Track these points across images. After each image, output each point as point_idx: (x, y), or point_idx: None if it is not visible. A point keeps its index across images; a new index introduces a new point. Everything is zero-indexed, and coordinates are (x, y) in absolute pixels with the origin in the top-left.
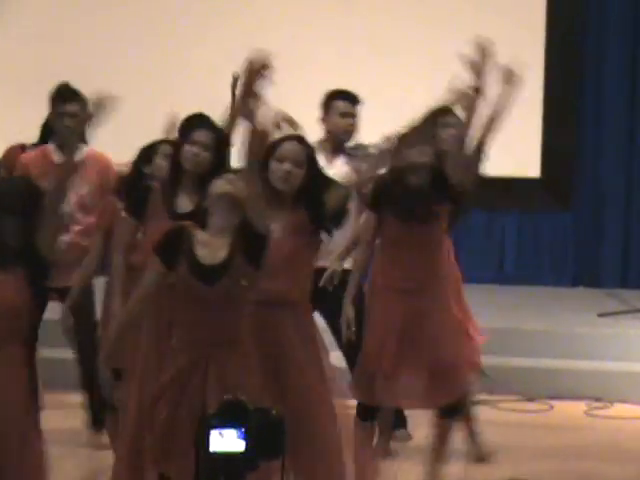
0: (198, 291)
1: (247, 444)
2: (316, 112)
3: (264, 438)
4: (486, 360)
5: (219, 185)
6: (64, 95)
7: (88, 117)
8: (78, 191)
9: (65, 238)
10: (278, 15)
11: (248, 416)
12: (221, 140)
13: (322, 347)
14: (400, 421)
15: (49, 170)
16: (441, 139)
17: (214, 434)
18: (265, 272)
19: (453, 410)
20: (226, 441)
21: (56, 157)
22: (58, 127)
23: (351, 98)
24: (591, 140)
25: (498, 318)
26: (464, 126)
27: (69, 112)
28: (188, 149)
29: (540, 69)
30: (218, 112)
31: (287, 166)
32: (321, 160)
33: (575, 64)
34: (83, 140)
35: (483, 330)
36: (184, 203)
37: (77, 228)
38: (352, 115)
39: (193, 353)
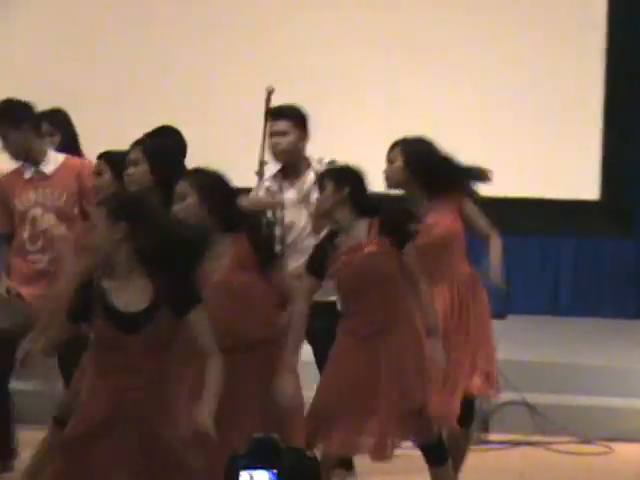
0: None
1: None
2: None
3: None
4: (539, 398)
5: None
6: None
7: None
8: (55, 203)
9: (49, 256)
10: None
11: (281, 456)
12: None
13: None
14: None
15: (20, 186)
16: None
17: (244, 476)
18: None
19: (433, 456)
20: None
21: (26, 174)
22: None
23: (275, 113)
24: None
25: (552, 352)
26: None
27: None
28: None
29: (600, 85)
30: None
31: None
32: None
33: (636, 80)
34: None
35: (533, 364)
36: None
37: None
38: (280, 133)
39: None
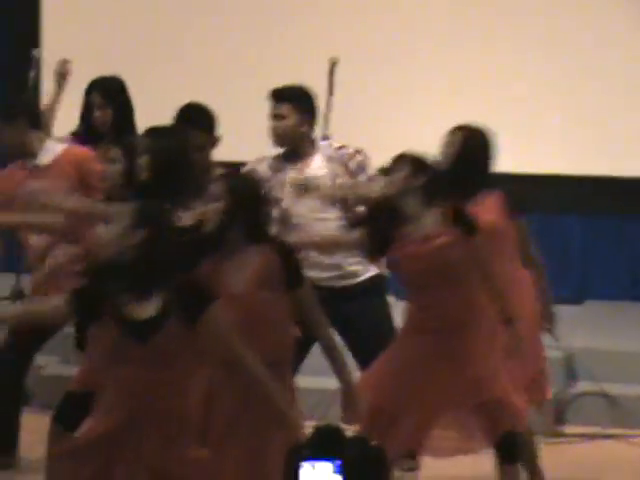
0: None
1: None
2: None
3: (363, 473)
4: (618, 388)
5: None
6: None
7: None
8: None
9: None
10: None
11: (344, 447)
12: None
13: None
14: None
15: (20, 179)
16: None
17: (306, 467)
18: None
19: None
20: (319, 475)
21: (26, 166)
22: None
23: (275, 95)
24: None
25: (632, 340)
26: None
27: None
28: None
29: None
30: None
31: None
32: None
33: None
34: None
35: (612, 353)
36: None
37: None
38: (279, 117)
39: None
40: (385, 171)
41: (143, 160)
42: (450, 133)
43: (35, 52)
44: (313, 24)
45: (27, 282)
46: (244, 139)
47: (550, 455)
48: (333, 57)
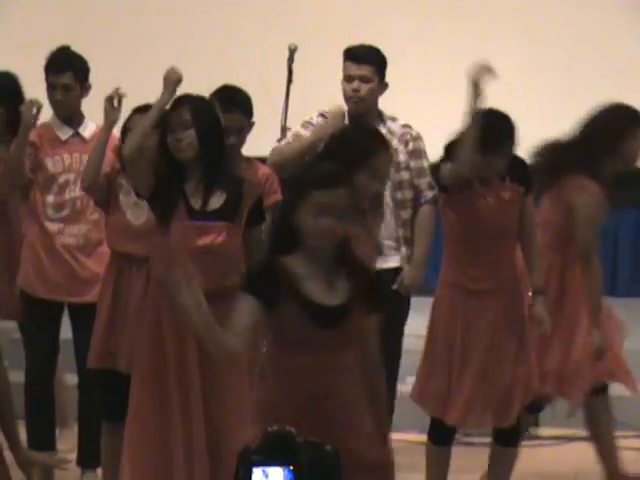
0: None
1: None
2: None
3: (316, 478)
4: None
5: None
6: (55, 65)
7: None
8: None
9: (78, 229)
10: None
11: (297, 451)
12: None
13: None
14: None
15: (57, 146)
16: None
17: (257, 473)
18: None
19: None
20: None
21: (60, 133)
22: (50, 100)
23: (359, 55)
24: None
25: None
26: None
27: (60, 84)
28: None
29: None
30: None
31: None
32: None
33: None
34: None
35: None
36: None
37: (92, 217)
38: (363, 79)
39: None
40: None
41: None
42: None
43: None
44: (272, 10)
45: None
46: None
47: (524, 457)
48: (292, 43)
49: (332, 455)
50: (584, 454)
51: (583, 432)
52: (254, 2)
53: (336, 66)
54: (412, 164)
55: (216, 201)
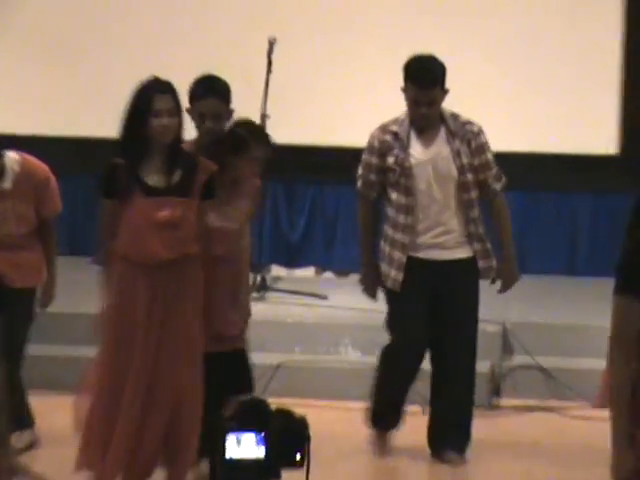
0: None
1: (267, 450)
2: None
3: (286, 444)
4: (553, 361)
5: None
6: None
7: None
8: None
9: None
10: None
11: (268, 418)
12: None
13: None
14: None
15: None
16: None
17: (231, 439)
18: None
19: None
20: (244, 447)
21: None
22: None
23: (424, 79)
24: None
25: (567, 314)
26: None
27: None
28: (156, 122)
29: (618, 36)
30: None
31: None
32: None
33: None
34: None
35: (548, 326)
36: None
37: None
38: (426, 103)
39: None
40: None
41: None
42: None
43: None
44: (253, 3)
45: None
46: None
47: (486, 427)
48: (271, 36)
49: (301, 422)
50: (544, 424)
51: (543, 403)
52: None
53: (313, 57)
54: (476, 161)
55: (173, 179)
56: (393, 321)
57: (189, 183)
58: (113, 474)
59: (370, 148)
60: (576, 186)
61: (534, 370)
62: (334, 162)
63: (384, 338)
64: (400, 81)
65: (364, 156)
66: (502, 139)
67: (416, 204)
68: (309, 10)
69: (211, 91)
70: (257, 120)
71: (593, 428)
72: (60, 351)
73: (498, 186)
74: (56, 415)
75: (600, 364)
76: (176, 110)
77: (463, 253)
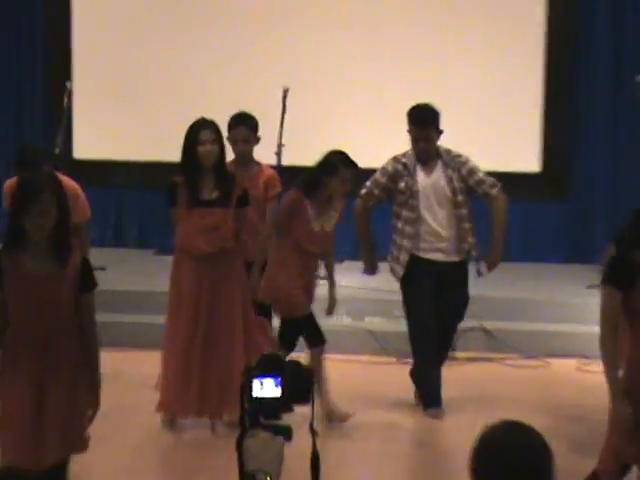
0: None
1: (282, 391)
2: None
3: (296, 386)
4: (496, 325)
5: None
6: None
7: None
8: None
9: None
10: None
11: (283, 367)
12: (220, 136)
13: None
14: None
15: None
16: None
17: (256, 383)
18: None
19: None
20: (265, 389)
21: None
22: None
23: (420, 120)
24: (582, 141)
25: (507, 290)
26: None
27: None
28: (201, 149)
29: (540, 68)
30: None
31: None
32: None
33: (574, 61)
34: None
35: (491, 298)
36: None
37: None
38: (423, 139)
39: None
40: None
41: None
42: None
43: (68, 84)
44: (270, 59)
45: None
46: None
47: (444, 375)
48: (285, 85)
49: (307, 370)
50: (491, 372)
51: (486, 355)
52: (257, 54)
53: (318, 102)
54: (471, 181)
55: (216, 193)
56: (408, 303)
57: (228, 197)
58: (186, 413)
59: (383, 171)
60: (511, 196)
61: (479, 331)
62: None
63: (370, 308)
64: (388, 125)
65: (376, 175)
66: None
67: (420, 218)
68: (316, 64)
69: (241, 122)
70: (275, 147)
71: (523, 374)
72: (138, 319)
73: (494, 192)
74: (143, 365)
75: (528, 326)
76: (217, 140)
77: (457, 257)
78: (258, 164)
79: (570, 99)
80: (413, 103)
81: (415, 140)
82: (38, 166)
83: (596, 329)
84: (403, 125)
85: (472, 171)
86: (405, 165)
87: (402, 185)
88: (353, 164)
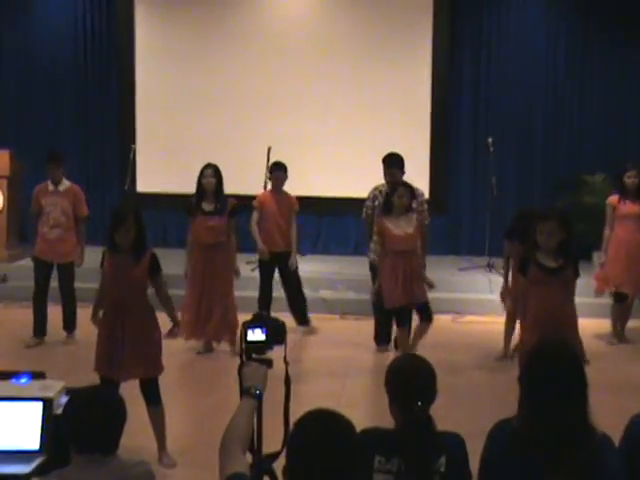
0: None
1: (266, 336)
2: None
3: (275, 333)
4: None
5: None
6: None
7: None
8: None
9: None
10: None
11: (267, 320)
12: (219, 172)
13: None
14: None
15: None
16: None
17: (249, 331)
18: None
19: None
20: (256, 334)
21: (50, 187)
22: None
23: (390, 164)
24: (454, 175)
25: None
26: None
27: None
28: (204, 180)
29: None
30: None
31: None
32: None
33: (445, 136)
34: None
35: None
36: (208, 206)
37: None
38: (391, 175)
39: None
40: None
41: None
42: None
43: (133, 146)
44: (255, 121)
45: None
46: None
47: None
48: (269, 145)
49: (282, 323)
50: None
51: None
52: (244, 119)
53: (296, 157)
54: (420, 209)
55: (215, 206)
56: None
57: (222, 210)
58: (198, 337)
59: (370, 197)
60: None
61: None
62: (330, 203)
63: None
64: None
65: (367, 201)
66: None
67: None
68: (296, 125)
69: (277, 168)
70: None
71: (472, 329)
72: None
73: (427, 221)
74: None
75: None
76: (214, 175)
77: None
78: (286, 192)
79: (447, 152)
80: (368, 150)
81: (385, 176)
82: (61, 162)
83: (465, 295)
84: (367, 167)
85: (422, 203)
86: (381, 192)
87: (376, 203)
88: (410, 187)
